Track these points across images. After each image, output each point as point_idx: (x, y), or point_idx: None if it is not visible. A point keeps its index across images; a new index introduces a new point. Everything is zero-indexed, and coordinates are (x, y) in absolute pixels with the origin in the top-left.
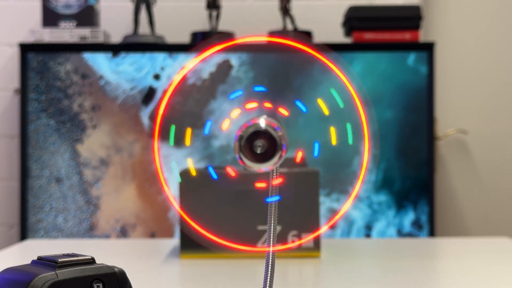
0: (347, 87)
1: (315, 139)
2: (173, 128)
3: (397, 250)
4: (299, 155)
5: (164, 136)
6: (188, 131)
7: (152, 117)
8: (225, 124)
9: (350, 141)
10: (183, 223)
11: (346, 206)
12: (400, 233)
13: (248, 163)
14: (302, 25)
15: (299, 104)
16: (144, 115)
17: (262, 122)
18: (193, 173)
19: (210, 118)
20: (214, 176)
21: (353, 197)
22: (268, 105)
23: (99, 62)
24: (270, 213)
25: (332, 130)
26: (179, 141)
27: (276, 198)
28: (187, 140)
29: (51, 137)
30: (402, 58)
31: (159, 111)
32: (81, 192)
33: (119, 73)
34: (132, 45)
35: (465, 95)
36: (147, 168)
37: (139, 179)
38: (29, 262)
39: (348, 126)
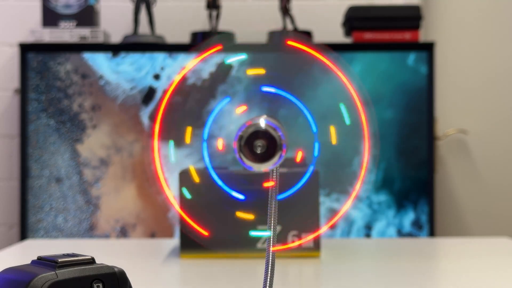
0: (347, 87)
1: (315, 139)
2: (171, 143)
3: (397, 250)
4: (299, 155)
5: (164, 136)
6: (188, 129)
7: (152, 117)
8: (220, 144)
9: (348, 122)
10: (183, 223)
11: (346, 206)
12: (400, 233)
13: (248, 163)
14: (302, 25)
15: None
16: (144, 115)
17: (262, 122)
18: (196, 180)
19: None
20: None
21: (353, 197)
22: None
23: (99, 62)
24: (270, 213)
25: (332, 129)
26: (179, 142)
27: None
28: (187, 138)
29: (51, 137)
30: (402, 58)
31: (158, 112)
32: (81, 192)
33: (119, 73)
34: (132, 45)
35: (465, 95)
36: (147, 168)
37: (139, 179)
38: (29, 262)
39: (342, 106)
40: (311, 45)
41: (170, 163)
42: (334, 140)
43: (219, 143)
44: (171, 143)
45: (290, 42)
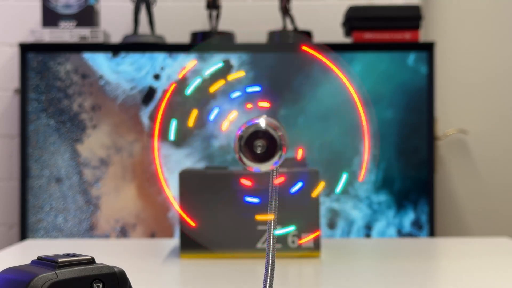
0: (347, 87)
1: (315, 139)
2: (174, 121)
3: (397, 250)
4: (300, 153)
5: (164, 136)
6: (194, 112)
7: (152, 117)
8: (225, 125)
9: (339, 191)
10: (183, 223)
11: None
12: (400, 233)
13: (248, 163)
14: (302, 25)
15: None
16: (144, 115)
17: (262, 122)
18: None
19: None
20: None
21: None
22: (264, 104)
23: (99, 62)
24: (270, 212)
25: (344, 178)
26: (179, 141)
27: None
28: (191, 122)
29: (51, 137)
30: (402, 58)
31: (159, 111)
32: (81, 192)
33: (119, 73)
34: (132, 45)
35: (465, 95)
36: (147, 168)
37: (139, 179)
38: (29, 262)
39: (345, 175)
40: (311, 45)
41: (171, 163)
42: (339, 188)
43: (224, 125)
44: (174, 121)
45: (305, 48)
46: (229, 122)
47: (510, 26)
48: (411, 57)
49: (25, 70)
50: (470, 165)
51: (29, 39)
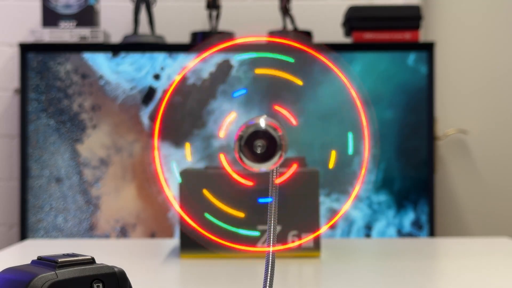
0: (347, 87)
1: (315, 138)
2: (174, 164)
3: (397, 250)
4: (333, 156)
5: (164, 136)
6: (187, 146)
7: (152, 117)
8: (222, 132)
9: (351, 152)
10: (183, 223)
11: (346, 206)
12: (400, 233)
13: (248, 163)
14: (302, 25)
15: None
16: (144, 115)
17: (262, 122)
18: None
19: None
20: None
21: (353, 197)
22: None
23: (99, 62)
24: (270, 213)
25: (333, 154)
26: (179, 141)
27: (269, 199)
28: (188, 156)
29: (51, 137)
30: (402, 58)
31: (159, 111)
32: (81, 192)
33: (119, 73)
34: (132, 45)
35: (465, 95)
36: (147, 168)
37: (139, 179)
38: (29, 262)
39: (350, 135)
40: (311, 45)
41: (171, 163)
42: (331, 164)
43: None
44: (174, 163)
45: (290, 42)
46: (226, 128)
47: (510, 26)
48: (411, 57)
49: (25, 70)
50: (470, 165)
51: (29, 39)
